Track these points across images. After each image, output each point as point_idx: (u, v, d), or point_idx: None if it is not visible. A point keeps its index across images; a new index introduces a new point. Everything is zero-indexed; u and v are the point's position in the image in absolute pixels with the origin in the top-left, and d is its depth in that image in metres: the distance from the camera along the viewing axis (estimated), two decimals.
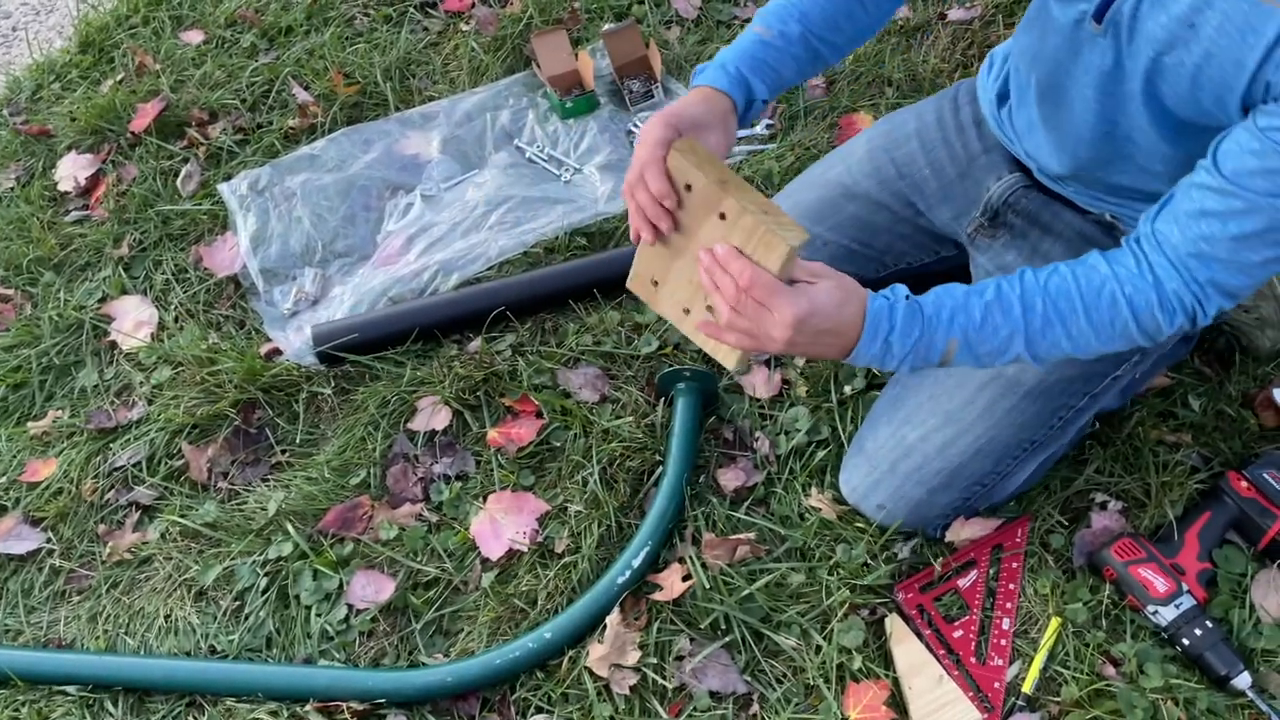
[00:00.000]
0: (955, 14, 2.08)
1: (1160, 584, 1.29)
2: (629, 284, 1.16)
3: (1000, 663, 1.30)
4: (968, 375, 1.31)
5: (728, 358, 1.11)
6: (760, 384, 1.56)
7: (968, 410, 1.30)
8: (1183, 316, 1.02)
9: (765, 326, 1.01)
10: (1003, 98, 1.34)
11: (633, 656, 1.30)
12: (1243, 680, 1.23)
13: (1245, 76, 0.90)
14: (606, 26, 2.07)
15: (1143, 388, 1.47)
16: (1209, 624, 1.26)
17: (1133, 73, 1.02)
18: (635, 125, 1.97)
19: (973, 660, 1.30)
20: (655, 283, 1.13)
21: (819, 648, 1.31)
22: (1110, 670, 1.28)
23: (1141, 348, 1.24)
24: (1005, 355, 1.05)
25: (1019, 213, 1.34)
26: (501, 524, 1.46)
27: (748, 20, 2.14)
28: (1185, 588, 1.29)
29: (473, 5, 2.23)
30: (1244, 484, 1.36)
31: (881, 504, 1.34)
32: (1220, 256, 0.97)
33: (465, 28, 2.18)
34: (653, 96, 2.01)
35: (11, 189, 2.03)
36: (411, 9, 2.24)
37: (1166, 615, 1.28)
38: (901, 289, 1.06)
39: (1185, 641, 1.26)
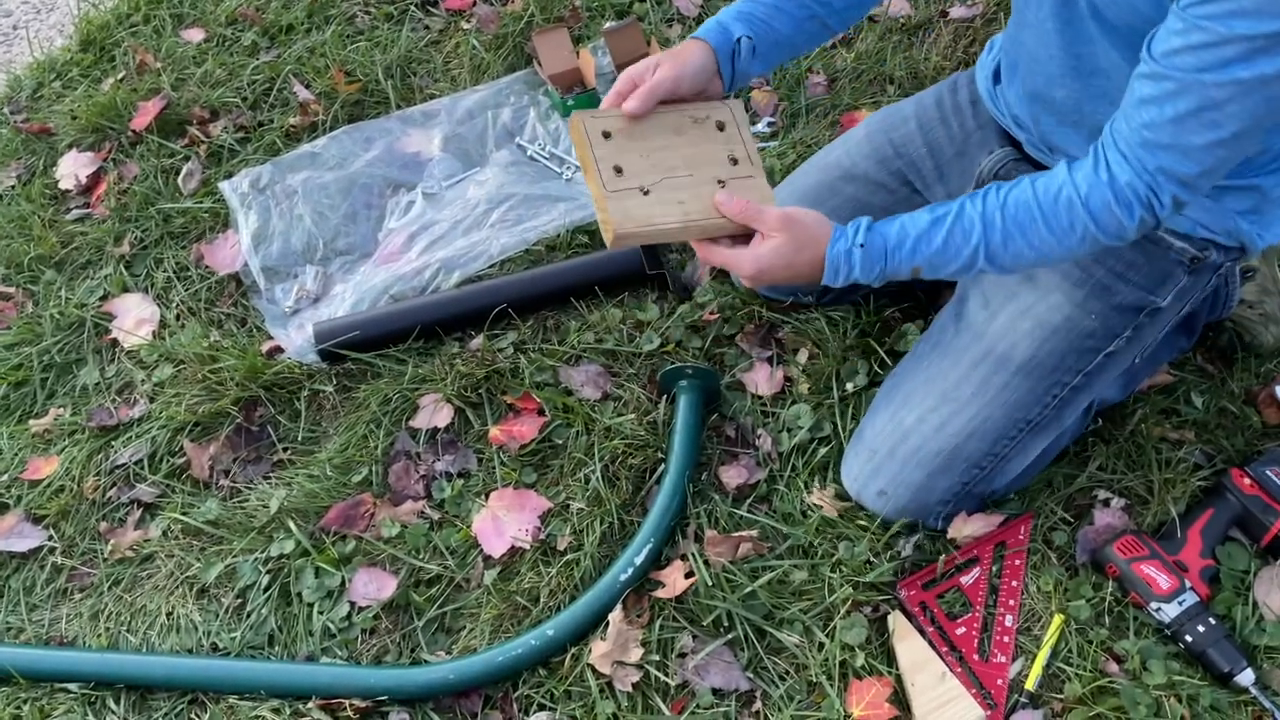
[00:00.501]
0: (957, 11, 2.08)
1: (1163, 581, 1.29)
2: (618, 231, 1.17)
3: (1003, 660, 1.30)
4: (961, 354, 1.32)
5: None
6: (762, 381, 1.55)
7: (961, 388, 1.31)
8: (1140, 208, 1.04)
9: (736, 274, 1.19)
10: (997, 75, 1.37)
11: (635, 654, 1.30)
12: (1246, 677, 1.23)
13: None
14: (608, 24, 2.07)
15: (1143, 382, 1.47)
16: (1212, 621, 1.26)
17: None
18: None
19: (975, 657, 1.30)
20: (645, 191, 1.18)
21: (821, 645, 1.31)
22: (1113, 667, 1.27)
23: (1137, 321, 1.24)
24: (971, 270, 1.13)
25: None
26: (504, 521, 1.46)
27: None
28: (1188, 585, 1.29)
29: (474, 3, 2.23)
30: (1247, 481, 1.36)
31: (882, 489, 1.34)
32: (1164, 142, 0.99)
33: (466, 26, 2.18)
34: None
35: (12, 187, 2.03)
36: (413, 7, 2.23)
37: (1169, 612, 1.28)
38: (864, 222, 1.14)
39: (1188, 638, 1.26)
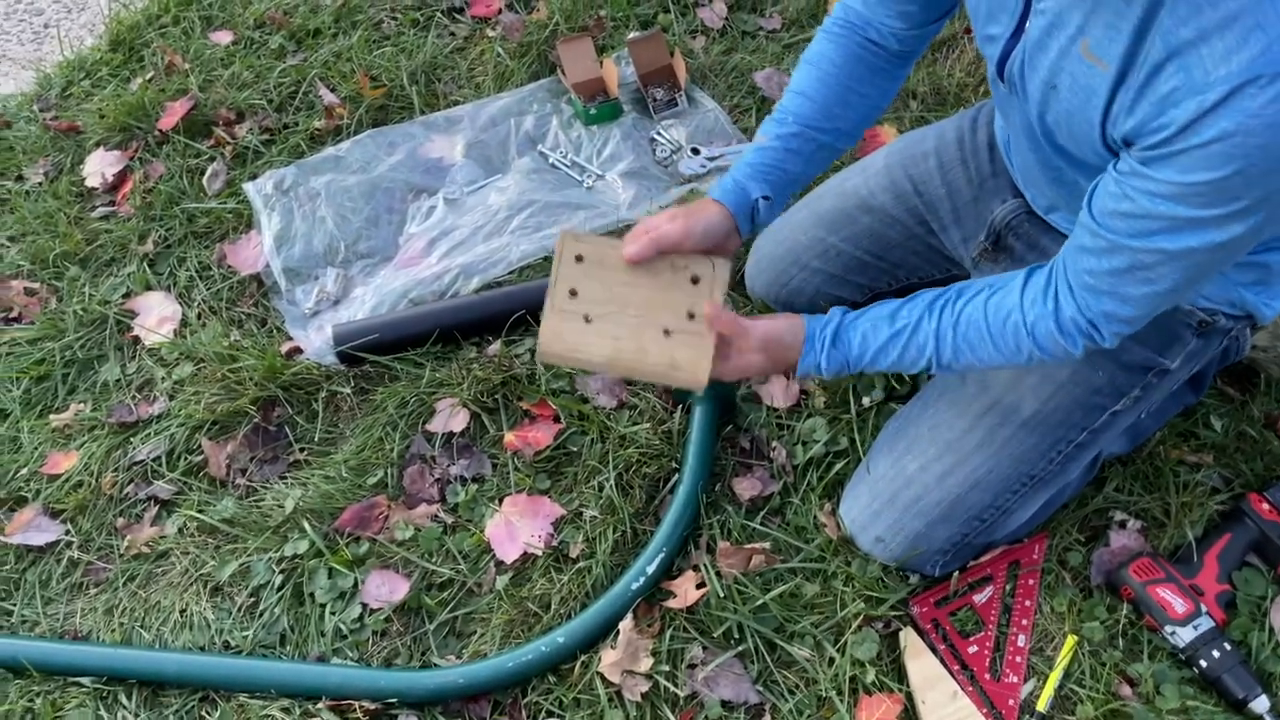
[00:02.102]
0: None
1: (1179, 605, 1.28)
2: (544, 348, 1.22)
3: (1015, 680, 1.29)
4: (967, 404, 1.31)
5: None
6: (778, 394, 1.55)
7: (966, 440, 1.29)
8: (1083, 339, 1.07)
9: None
10: None
11: (645, 663, 1.30)
12: (1261, 704, 1.22)
13: (1097, 135, 0.96)
14: (632, 34, 2.08)
15: (1151, 433, 1.46)
16: (1227, 646, 1.25)
17: (1038, 126, 1.07)
18: (659, 133, 1.98)
19: (987, 676, 1.29)
20: (588, 319, 1.22)
21: (832, 660, 1.31)
22: (1126, 690, 1.27)
23: (1145, 381, 1.24)
24: (917, 369, 1.19)
25: (1019, 237, 1.34)
26: (517, 527, 1.46)
27: (773, 31, 2.15)
28: (1204, 609, 1.28)
29: (499, 11, 2.24)
30: (1265, 506, 1.35)
31: (880, 536, 1.33)
32: (1104, 289, 1.01)
33: (491, 33, 2.20)
34: (676, 105, 2.01)
35: (40, 184, 2.05)
36: (439, 14, 2.25)
37: (1184, 636, 1.27)
38: (829, 333, 1.19)
39: (1203, 663, 1.25)
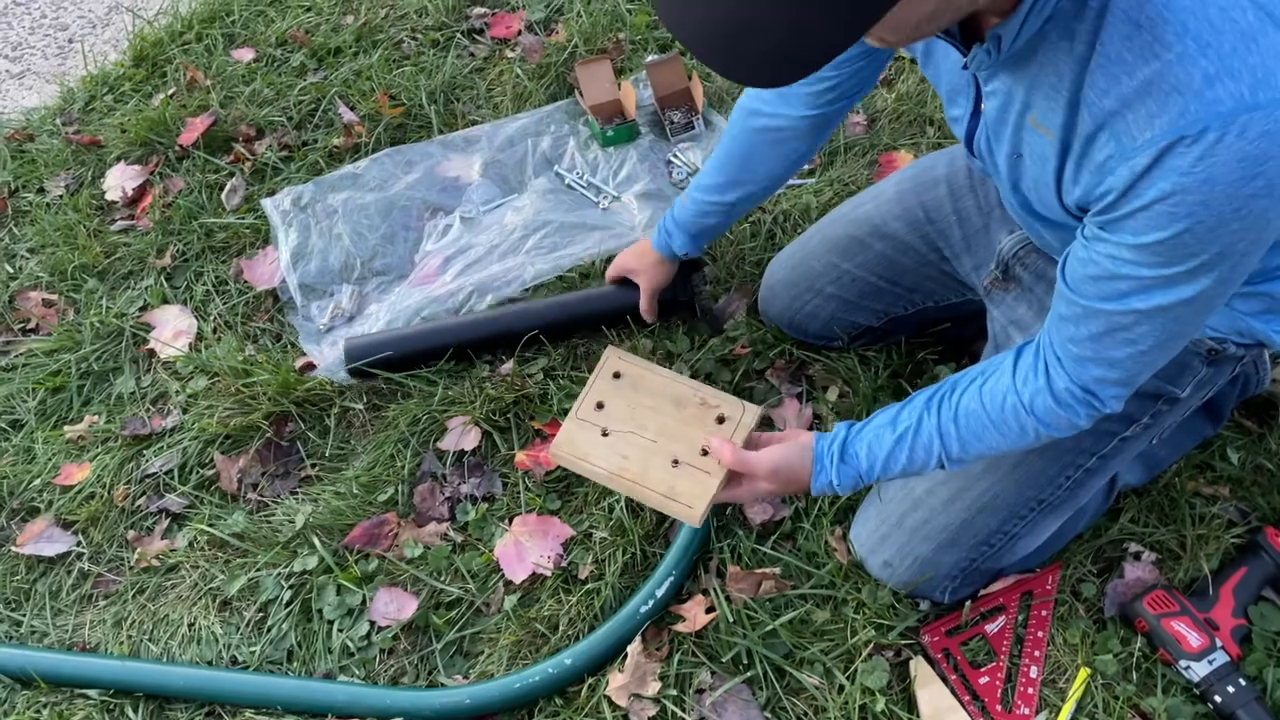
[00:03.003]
0: None
1: (1193, 639, 1.27)
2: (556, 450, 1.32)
3: (1027, 711, 1.27)
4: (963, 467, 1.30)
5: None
6: (791, 417, 1.55)
7: (974, 464, 1.28)
8: (1083, 408, 1.05)
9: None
10: None
11: (653, 687, 1.29)
12: None
13: (1055, 198, 0.98)
14: (650, 57, 2.09)
15: (1168, 465, 1.44)
16: (1242, 682, 1.24)
17: (1012, 195, 1.09)
18: (675, 155, 1.98)
19: (999, 708, 1.28)
20: (605, 432, 1.31)
21: (842, 687, 1.29)
22: None
23: (1155, 409, 1.22)
24: (930, 469, 1.18)
25: (1027, 267, 1.33)
26: (526, 547, 1.45)
27: None
28: (1219, 644, 1.27)
29: (519, 32, 2.26)
30: None
31: (888, 560, 1.32)
32: (1088, 355, 1.01)
33: (510, 54, 2.21)
34: (693, 128, 2.02)
35: (60, 197, 2.07)
36: (458, 34, 2.27)
37: (1199, 671, 1.25)
38: (836, 450, 1.19)
39: (1217, 699, 1.24)
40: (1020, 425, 1.09)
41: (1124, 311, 0.94)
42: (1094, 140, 0.87)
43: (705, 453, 1.27)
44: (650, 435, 1.29)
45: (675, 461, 1.27)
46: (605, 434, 1.30)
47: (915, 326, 1.56)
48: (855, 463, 1.18)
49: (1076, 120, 0.88)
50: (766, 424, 1.55)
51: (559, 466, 1.52)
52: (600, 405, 1.32)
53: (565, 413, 1.57)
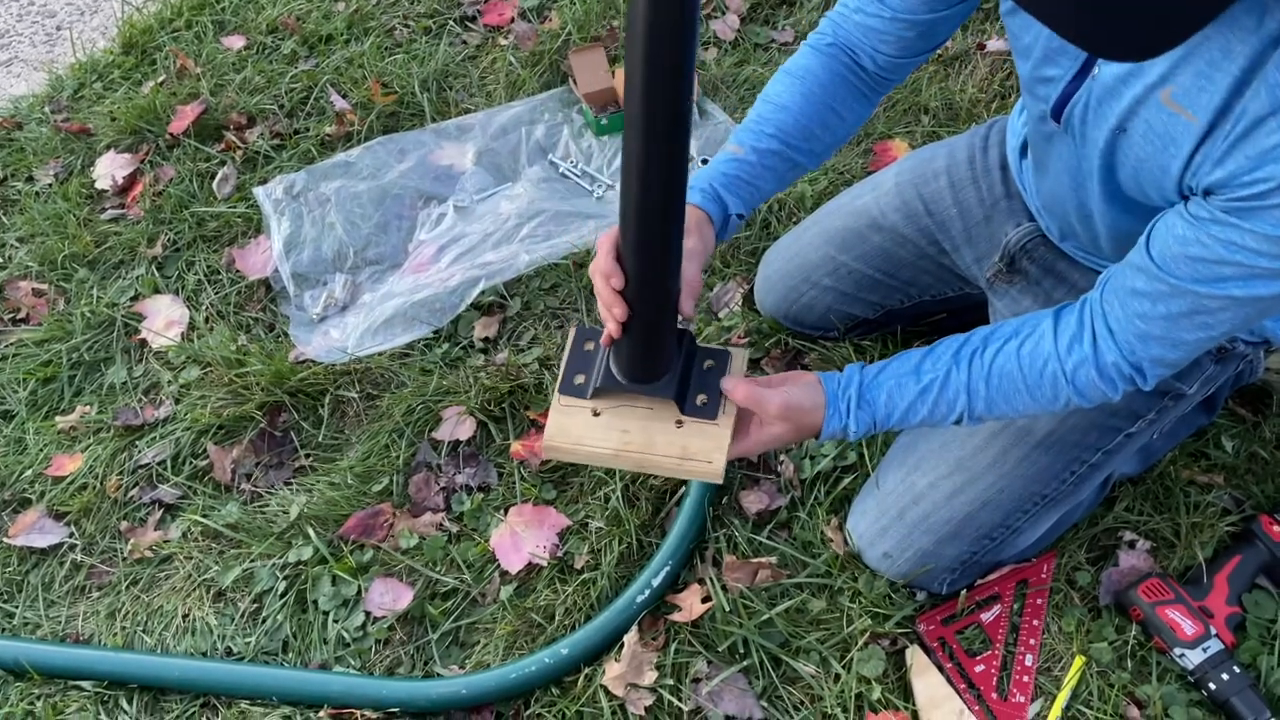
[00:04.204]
0: (994, 45, 2.08)
1: (1188, 626, 1.27)
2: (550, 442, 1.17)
3: (1022, 699, 1.28)
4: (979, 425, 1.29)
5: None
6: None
7: (978, 458, 1.28)
8: (1124, 383, 1.04)
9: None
10: (1024, 149, 1.31)
11: (649, 677, 1.29)
12: None
13: (1172, 182, 0.93)
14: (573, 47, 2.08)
15: (1163, 455, 1.45)
16: (1236, 669, 1.24)
17: (1089, 169, 1.05)
18: None
19: (994, 696, 1.28)
20: (596, 413, 1.17)
21: (838, 676, 1.30)
22: (1134, 712, 1.26)
23: (1161, 405, 1.23)
24: (948, 424, 1.14)
25: (1034, 260, 1.32)
26: (522, 537, 1.45)
27: (785, 44, 2.14)
28: (1213, 631, 1.27)
29: (512, 20, 2.24)
30: (1276, 528, 1.34)
31: (888, 552, 1.32)
32: (1155, 334, 0.98)
33: (504, 42, 2.20)
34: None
35: (50, 185, 2.06)
36: (451, 22, 2.25)
37: (1193, 659, 1.26)
38: (853, 393, 1.12)
39: (1212, 686, 1.24)
40: (1055, 393, 1.06)
41: (1217, 296, 0.92)
42: (1262, 125, 0.82)
43: (705, 403, 1.16)
44: (644, 403, 1.17)
45: (679, 422, 1.16)
46: (596, 414, 1.17)
47: (911, 319, 1.56)
48: (872, 409, 1.12)
49: (1240, 100, 0.83)
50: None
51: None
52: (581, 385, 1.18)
53: None
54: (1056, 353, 1.05)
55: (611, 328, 1.08)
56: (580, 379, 1.17)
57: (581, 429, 1.16)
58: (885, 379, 1.12)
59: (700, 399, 1.16)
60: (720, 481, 1.15)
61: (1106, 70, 0.94)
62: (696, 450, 1.14)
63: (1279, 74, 0.80)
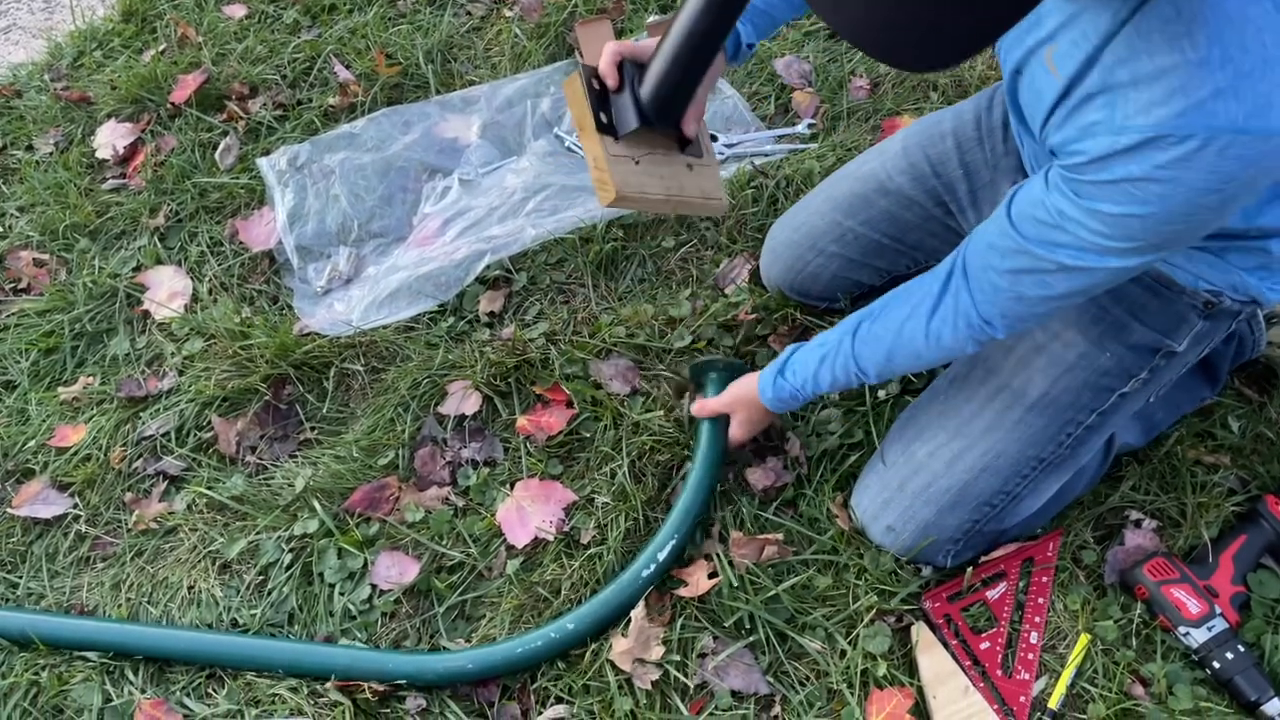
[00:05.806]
0: None
1: (1193, 605, 1.28)
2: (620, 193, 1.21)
3: (1027, 677, 1.28)
4: (975, 388, 1.31)
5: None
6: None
7: (974, 423, 1.29)
8: (975, 332, 1.13)
9: None
10: None
11: (656, 652, 1.30)
12: (1273, 706, 1.22)
13: (1038, 133, 1.01)
14: (651, 18, 2.06)
15: (1166, 427, 1.45)
16: (1241, 648, 1.25)
17: (1011, 105, 1.13)
18: None
19: (999, 673, 1.29)
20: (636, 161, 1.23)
21: (844, 652, 1.30)
22: (1139, 690, 1.26)
23: (1153, 363, 1.23)
24: (855, 385, 1.29)
25: None
26: (528, 512, 1.45)
27: (793, 18, 2.12)
28: (1218, 610, 1.28)
29: None
30: None
31: (891, 525, 1.32)
32: (1003, 286, 1.07)
33: (509, 13, 2.18)
34: None
35: (50, 154, 2.04)
36: None
37: (1198, 637, 1.27)
38: (771, 374, 1.33)
39: (1216, 665, 1.25)
40: (926, 338, 1.16)
41: (1051, 260, 1.00)
42: (1091, 100, 0.90)
43: (687, 141, 1.25)
44: (661, 150, 1.23)
45: (689, 165, 1.25)
46: (636, 162, 1.21)
47: None
48: (791, 379, 1.30)
49: (1086, 75, 0.90)
50: None
51: (562, 431, 1.51)
52: (608, 132, 1.21)
53: (567, 378, 1.57)
54: (922, 303, 1.16)
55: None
56: (605, 118, 1.21)
57: (639, 179, 1.21)
58: (802, 351, 1.30)
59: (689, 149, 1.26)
60: (726, 211, 1.29)
61: None
62: (710, 190, 1.25)
63: (1113, 55, 0.86)
